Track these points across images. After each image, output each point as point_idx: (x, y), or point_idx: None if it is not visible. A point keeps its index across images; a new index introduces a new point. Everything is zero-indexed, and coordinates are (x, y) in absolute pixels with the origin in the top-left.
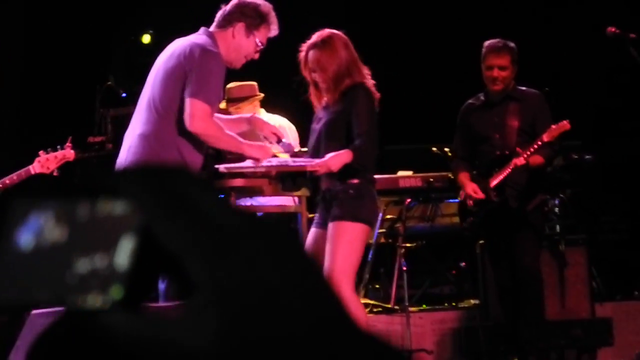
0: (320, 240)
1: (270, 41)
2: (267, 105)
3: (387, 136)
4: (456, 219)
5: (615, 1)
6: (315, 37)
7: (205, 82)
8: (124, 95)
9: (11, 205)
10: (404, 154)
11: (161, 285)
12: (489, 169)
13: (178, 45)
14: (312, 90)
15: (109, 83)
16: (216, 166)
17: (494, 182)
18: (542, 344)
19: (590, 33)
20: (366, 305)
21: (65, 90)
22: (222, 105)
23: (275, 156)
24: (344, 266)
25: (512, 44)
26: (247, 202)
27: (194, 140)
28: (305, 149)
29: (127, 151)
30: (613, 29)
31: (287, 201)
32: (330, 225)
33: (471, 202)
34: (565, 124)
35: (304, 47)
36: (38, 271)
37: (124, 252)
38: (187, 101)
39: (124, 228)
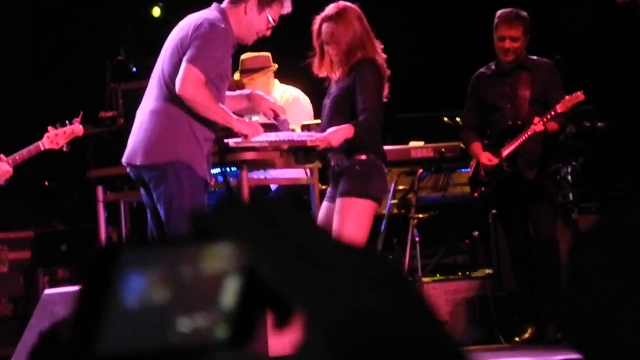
0: (331, 215)
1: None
2: (281, 76)
3: (397, 104)
4: (468, 189)
5: None
6: (329, 9)
7: (205, 52)
8: (134, 69)
9: (119, 259)
10: (414, 122)
11: None
12: (501, 139)
13: (188, 21)
14: (316, 60)
15: (120, 57)
16: (225, 140)
17: (505, 152)
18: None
19: None
20: None
21: (75, 65)
22: (236, 76)
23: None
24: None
25: (524, 14)
26: (259, 174)
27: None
28: (319, 121)
29: (139, 128)
30: None
31: (299, 174)
32: (338, 200)
33: (483, 172)
34: (579, 95)
35: (318, 18)
36: (143, 328)
37: (229, 293)
38: (183, 65)
39: (228, 270)
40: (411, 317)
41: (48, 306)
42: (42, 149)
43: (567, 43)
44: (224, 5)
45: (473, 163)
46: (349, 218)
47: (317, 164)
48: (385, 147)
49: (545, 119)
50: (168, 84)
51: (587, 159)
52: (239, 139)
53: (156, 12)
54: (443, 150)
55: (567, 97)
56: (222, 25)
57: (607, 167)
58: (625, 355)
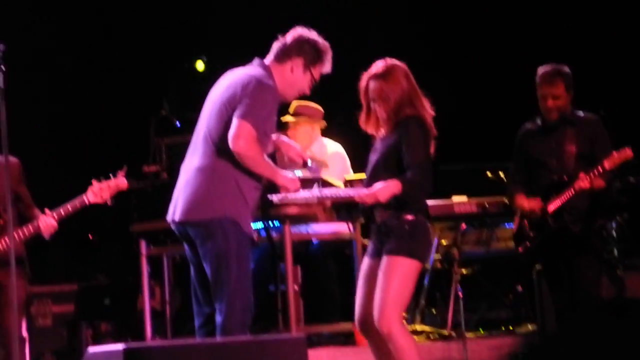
0: (374, 271)
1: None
2: (326, 130)
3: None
4: (511, 244)
5: None
6: (377, 66)
7: (257, 110)
8: (178, 124)
9: None
10: (457, 175)
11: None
12: (547, 194)
13: (234, 77)
14: (363, 116)
15: (163, 112)
16: (268, 195)
17: (552, 207)
18: None
19: None
20: (423, 332)
21: (119, 119)
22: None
23: (327, 185)
24: (395, 301)
25: (565, 70)
26: (301, 229)
27: (251, 172)
28: (362, 176)
29: (185, 184)
30: None
31: (341, 228)
32: (385, 258)
33: (528, 227)
34: (627, 152)
35: (365, 76)
36: None
37: None
38: (234, 121)
39: None
40: None
41: None
42: (87, 203)
43: (610, 96)
44: (267, 61)
45: (517, 218)
46: (395, 277)
47: (360, 219)
48: (428, 202)
49: (592, 175)
50: (215, 141)
51: (631, 215)
52: (282, 195)
53: (200, 66)
54: (486, 205)
55: (615, 154)
56: (270, 83)
57: None
58: None
